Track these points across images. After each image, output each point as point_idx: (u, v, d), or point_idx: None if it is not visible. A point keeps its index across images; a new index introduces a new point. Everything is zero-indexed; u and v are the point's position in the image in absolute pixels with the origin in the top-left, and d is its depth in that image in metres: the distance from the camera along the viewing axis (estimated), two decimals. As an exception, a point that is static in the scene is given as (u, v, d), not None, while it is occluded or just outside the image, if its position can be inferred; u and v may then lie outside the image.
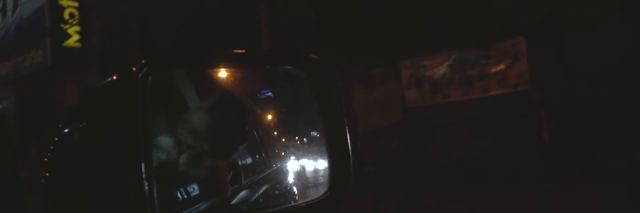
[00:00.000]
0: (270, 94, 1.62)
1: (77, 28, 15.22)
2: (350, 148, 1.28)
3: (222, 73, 1.39)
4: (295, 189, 1.63)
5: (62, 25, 15.04)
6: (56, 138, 0.97)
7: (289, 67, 1.33)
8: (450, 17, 8.99)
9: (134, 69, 0.90)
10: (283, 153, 1.71)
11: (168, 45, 11.08)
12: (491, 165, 8.19)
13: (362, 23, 9.91)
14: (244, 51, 1.16)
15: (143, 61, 0.92)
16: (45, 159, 0.96)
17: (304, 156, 1.60)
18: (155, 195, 0.87)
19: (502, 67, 9.32)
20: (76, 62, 14.65)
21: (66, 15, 15.13)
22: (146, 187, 0.85)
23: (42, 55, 15.19)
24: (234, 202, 1.35)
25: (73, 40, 15.13)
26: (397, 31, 9.53)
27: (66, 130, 0.98)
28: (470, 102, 9.56)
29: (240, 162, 1.48)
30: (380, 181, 9.43)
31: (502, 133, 8.76)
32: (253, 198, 1.45)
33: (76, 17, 15.13)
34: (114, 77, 0.94)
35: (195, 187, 1.23)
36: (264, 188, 1.55)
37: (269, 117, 1.76)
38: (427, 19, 9.18)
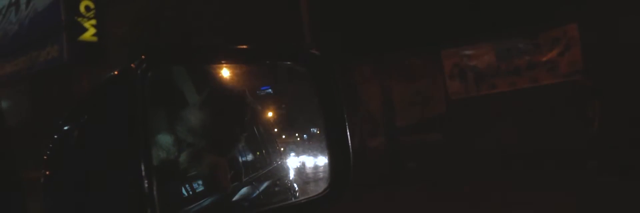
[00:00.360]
0: (270, 90, 1.62)
1: (93, 22, 14.71)
2: (350, 144, 1.27)
3: (222, 69, 1.38)
4: (295, 186, 1.63)
5: (78, 19, 14.57)
6: (56, 136, 0.96)
7: (289, 63, 1.32)
8: (496, 3, 8.55)
9: (133, 65, 0.90)
10: (283, 150, 1.71)
11: (205, 34, 10.58)
12: (541, 158, 7.81)
13: (401, 10, 9.46)
14: (243, 46, 1.15)
15: (143, 57, 0.92)
16: (45, 157, 0.95)
17: (304, 153, 1.60)
18: (155, 192, 0.87)
19: (552, 55, 8.86)
20: (93, 57, 14.17)
21: (82, 9, 14.63)
22: (146, 185, 0.84)
23: (57, 50, 14.65)
24: (234, 198, 1.36)
25: (89, 34, 14.62)
26: (437, 19, 9.09)
27: (66, 127, 0.97)
28: (518, 93, 9.09)
29: (240, 159, 1.49)
30: (424, 177, 9.08)
31: (552, 125, 8.34)
32: (254, 195, 1.46)
33: (92, 11, 14.66)
34: (114, 73, 0.93)
35: (196, 184, 1.24)
36: (264, 185, 1.55)
37: (269, 113, 1.75)
38: (470, 5, 8.74)
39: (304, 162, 1.62)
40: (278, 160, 1.71)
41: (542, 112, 8.56)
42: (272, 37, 9.44)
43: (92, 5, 14.98)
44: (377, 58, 10.33)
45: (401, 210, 7.40)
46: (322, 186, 1.33)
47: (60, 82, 15.57)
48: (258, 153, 1.65)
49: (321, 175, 1.42)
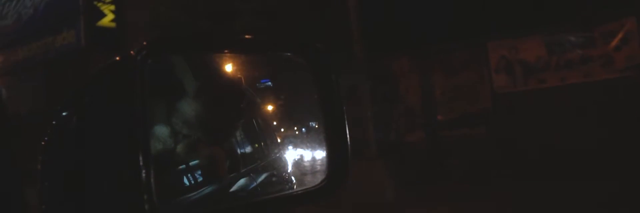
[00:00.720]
0: (269, 83, 1.62)
1: (112, 7, 14.18)
2: (348, 138, 1.27)
3: (223, 60, 1.38)
4: (293, 178, 1.63)
5: (96, 4, 14.05)
6: (54, 122, 0.95)
7: (290, 54, 1.31)
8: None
9: (132, 52, 0.89)
10: (281, 143, 1.71)
11: (246, 18, 10.07)
12: (591, 159, 7.47)
13: (444, 1, 9.06)
14: (245, 36, 1.17)
15: (144, 43, 0.92)
16: (42, 143, 0.94)
17: (302, 145, 1.60)
18: (152, 181, 0.85)
19: (608, 49, 8.49)
20: (111, 44, 13.63)
21: (101, -7, 14.14)
22: (143, 173, 0.84)
23: (74, 35, 14.00)
24: (232, 189, 1.36)
25: (108, 19, 14.07)
26: (484, 9, 8.69)
27: (64, 114, 0.96)
28: (569, 88, 8.71)
29: (239, 151, 1.49)
30: (467, 174, 8.75)
31: (605, 123, 7.98)
32: (251, 186, 1.46)
33: (112, -5, 14.13)
34: (113, 60, 0.93)
35: (194, 173, 1.25)
36: (262, 176, 1.56)
37: (268, 106, 1.76)
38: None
39: (302, 155, 1.62)
40: (276, 152, 1.71)
41: (594, 109, 8.21)
42: (316, 24, 9.06)
43: (111, -11, 14.47)
44: (418, 50, 9.93)
45: (441, 208, 7.09)
46: (319, 178, 1.33)
47: (76, 68, 14.96)
48: (257, 145, 1.65)
49: (319, 168, 1.42)
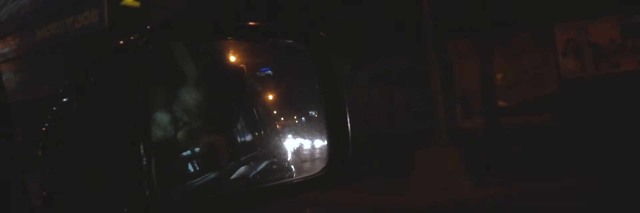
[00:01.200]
0: (269, 71, 1.62)
1: (136, -17, 13.40)
2: (349, 126, 1.27)
3: (224, 47, 1.39)
4: (293, 166, 1.63)
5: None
6: (54, 108, 0.94)
7: (291, 42, 1.30)
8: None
9: (133, 38, 0.89)
10: (282, 131, 1.71)
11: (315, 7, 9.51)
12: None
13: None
14: (247, 23, 1.15)
15: (148, 28, 0.91)
16: (43, 129, 0.94)
17: (302, 134, 1.61)
18: (153, 168, 0.86)
19: (690, 31, 7.95)
20: (135, 24, 12.99)
21: (126, -32, 13.33)
22: (144, 161, 0.84)
23: (97, 14, 12.77)
24: (232, 176, 1.37)
25: (131, -2, 13.30)
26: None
27: (65, 99, 0.96)
28: (645, 73, 8.24)
29: (239, 139, 1.50)
30: (531, 162, 8.35)
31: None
32: (252, 174, 1.47)
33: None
34: (115, 45, 0.92)
35: (194, 161, 1.25)
36: (262, 164, 1.57)
37: (269, 95, 1.77)
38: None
39: (301, 143, 1.62)
40: (276, 140, 1.71)
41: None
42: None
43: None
44: (476, 32, 9.40)
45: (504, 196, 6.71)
46: (318, 165, 1.33)
47: (98, 51, 14.13)
48: (257, 133, 1.65)
49: (318, 156, 1.42)
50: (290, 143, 1.65)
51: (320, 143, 1.38)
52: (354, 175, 8.10)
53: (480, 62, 9.67)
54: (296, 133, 1.63)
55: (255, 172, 1.49)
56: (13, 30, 15.18)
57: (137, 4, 13.40)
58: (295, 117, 1.67)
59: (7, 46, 15.38)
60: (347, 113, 1.27)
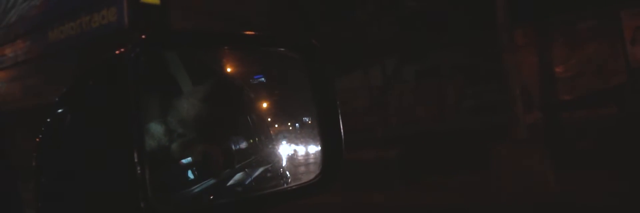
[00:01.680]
0: (263, 79, 1.64)
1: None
2: (342, 132, 1.29)
3: (217, 56, 1.39)
4: (287, 173, 1.66)
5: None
6: (48, 119, 0.96)
7: (284, 50, 1.32)
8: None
9: (126, 48, 0.90)
10: (276, 138, 1.72)
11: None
12: None
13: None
14: (239, 32, 1.16)
15: (142, 36, 0.92)
16: (37, 139, 0.95)
17: (295, 141, 1.63)
18: (147, 178, 0.86)
19: None
20: (154, 23, 12.28)
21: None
22: (139, 171, 0.85)
23: (115, 13, 11.78)
24: (227, 184, 1.38)
25: (151, -5, 12.70)
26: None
27: (59, 111, 0.97)
28: None
29: (233, 147, 1.51)
30: (599, 159, 7.89)
31: None
32: (247, 182, 1.49)
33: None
34: (108, 56, 0.93)
35: (189, 171, 1.25)
36: (257, 171, 1.59)
37: (262, 102, 1.79)
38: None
39: (295, 150, 1.64)
40: (270, 147, 1.72)
41: None
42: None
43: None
44: (534, 21, 8.95)
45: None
46: (313, 174, 1.34)
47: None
48: (251, 140, 1.66)
49: (312, 162, 1.43)
50: (285, 150, 1.67)
51: (314, 149, 1.40)
52: (419, 174, 7.94)
53: (538, 53, 9.20)
54: (290, 140, 1.65)
55: (250, 179, 1.51)
56: (23, 32, 14.24)
57: (157, 1, 12.40)
58: (289, 124, 1.70)
59: (17, 49, 14.44)
60: (340, 119, 1.28)
